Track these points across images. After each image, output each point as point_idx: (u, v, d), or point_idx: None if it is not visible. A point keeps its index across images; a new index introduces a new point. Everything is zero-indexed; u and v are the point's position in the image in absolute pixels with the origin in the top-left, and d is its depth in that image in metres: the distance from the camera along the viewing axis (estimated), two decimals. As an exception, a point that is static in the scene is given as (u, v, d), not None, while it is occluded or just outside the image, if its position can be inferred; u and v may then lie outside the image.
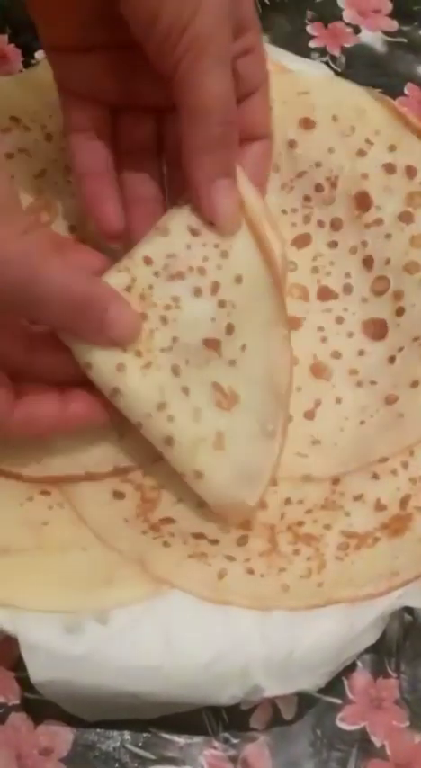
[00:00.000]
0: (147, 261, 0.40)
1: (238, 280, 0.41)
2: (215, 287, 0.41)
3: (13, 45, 0.57)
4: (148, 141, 0.44)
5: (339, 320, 0.47)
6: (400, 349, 0.46)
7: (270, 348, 0.42)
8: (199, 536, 0.41)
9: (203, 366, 0.41)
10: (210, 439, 0.41)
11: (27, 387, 0.40)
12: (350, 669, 0.42)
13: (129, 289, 0.40)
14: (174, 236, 0.41)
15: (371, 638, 0.40)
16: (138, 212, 0.44)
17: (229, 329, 0.41)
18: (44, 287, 0.36)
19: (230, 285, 0.41)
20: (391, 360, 0.46)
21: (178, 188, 0.43)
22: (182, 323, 0.40)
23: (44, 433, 0.41)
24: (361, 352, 0.47)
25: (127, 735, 0.41)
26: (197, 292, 0.40)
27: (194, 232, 0.41)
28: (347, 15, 0.62)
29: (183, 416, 0.40)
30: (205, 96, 0.38)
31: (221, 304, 0.41)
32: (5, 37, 0.57)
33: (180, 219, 0.41)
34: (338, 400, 0.46)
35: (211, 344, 0.41)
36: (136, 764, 0.41)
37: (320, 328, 0.47)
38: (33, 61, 0.56)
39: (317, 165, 0.49)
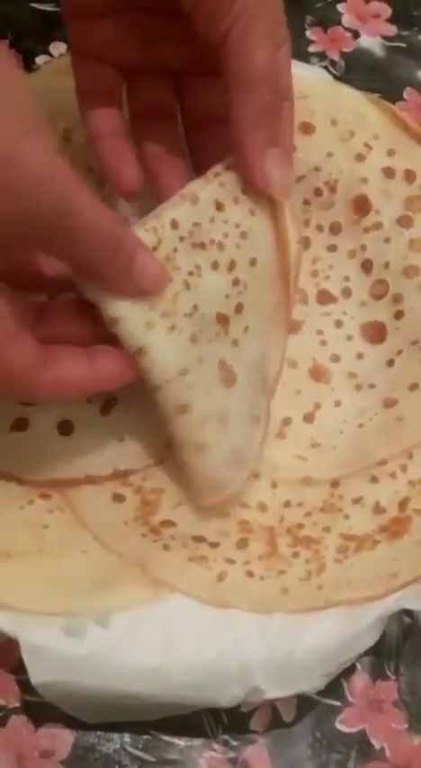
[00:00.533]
0: (174, 224, 0.39)
1: (253, 262, 0.41)
2: (231, 265, 0.41)
3: (14, 50, 0.57)
4: (167, 104, 0.44)
5: (338, 324, 0.48)
6: (399, 352, 0.46)
7: (266, 336, 0.42)
8: (199, 539, 0.41)
9: (213, 341, 0.40)
10: (217, 414, 0.41)
11: (54, 348, 0.38)
12: (349, 671, 0.42)
13: (155, 248, 0.39)
14: (202, 206, 0.40)
15: (370, 641, 0.40)
16: (162, 169, 0.44)
17: (238, 308, 0.41)
18: (77, 219, 0.34)
19: (245, 266, 0.41)
20: (390, 363, 0.46)
21: (196, 152, 0.43)
22: (201, 292, 0.40)
23: (73, 396, 0.40)
24: (360, 356, 0.47)
25: (127, 737, 0.41)
26: (215, 266, 0.40)
27: (219, 206, 0.40)
28: (347, 20, 0.62)
29: (200, 387, 0.40)
30: (255, 65, 0.38)
31: (235, 282, 0.41)
32: (6, 42, 0.57)
33: (209, 191, 0.40)
34: (337, 403, 0.46)
35: (221, 320, 0.41)
36: (136, 767, 0.41)
37: (319, 332, 0.48)
38: (34, 66, 0.56)
39: (317, 169, 0.49)
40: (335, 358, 0.47)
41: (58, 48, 0.57)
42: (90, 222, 0.35)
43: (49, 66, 0.54)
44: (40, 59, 0.57)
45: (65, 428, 0.44)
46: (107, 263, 0.37)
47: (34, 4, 0.59)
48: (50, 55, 0.57)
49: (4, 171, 0.32)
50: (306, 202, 0.49)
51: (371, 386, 0.46)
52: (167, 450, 0.44)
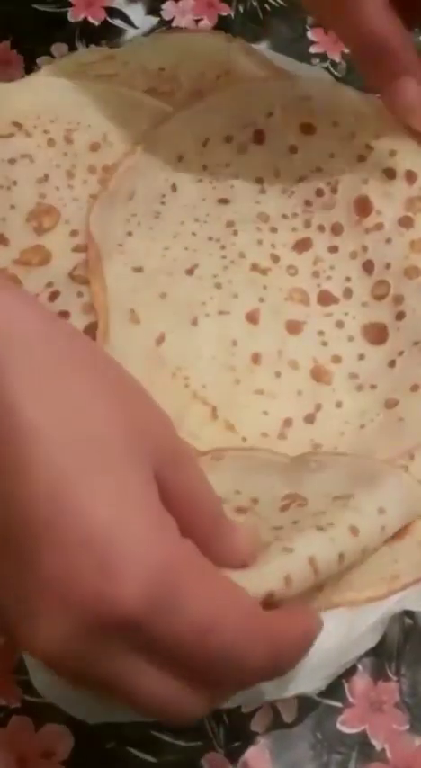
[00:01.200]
0: None
1: None
2: None
3: (15, 51, 0.57)
4: None
5: (339, 324, 0.48)
6: (400, 353, 0.46)
7: None
8: None
9: None
10: None
11: None
12: (350, 672, 0.42)
13: None
14: None
15: (371, 642, 0.40)
16: None
17: None
18: None
19: None
20: (391, 364, 0.46)
21: None
22: None
23: None
24: (361, 356, 0.47)
25: (128, 737, 0.41)
26: None
27: None
28: (348, 21, 0.62)
29: None
30: None
31: None
32: (8, 43, 0.57)
33: None
34: (338, 404, 0.46)
35: None
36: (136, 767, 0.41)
37: (321, 332, 0.47)
38: (35, 67, 0.56)
39: (318, 169, 0.49)
40: (337, 359, 0.47)
41: (59, 49, 0.57)
42: None
43: (50, 67, 0.54)
44: (41, 60, 0.57)
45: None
46: None
47: (36, 5, 0.59)
48: (52, 56, 0.57)
49: None
50: (307, 203, 0.49)
51: (373, 387, 0.46)
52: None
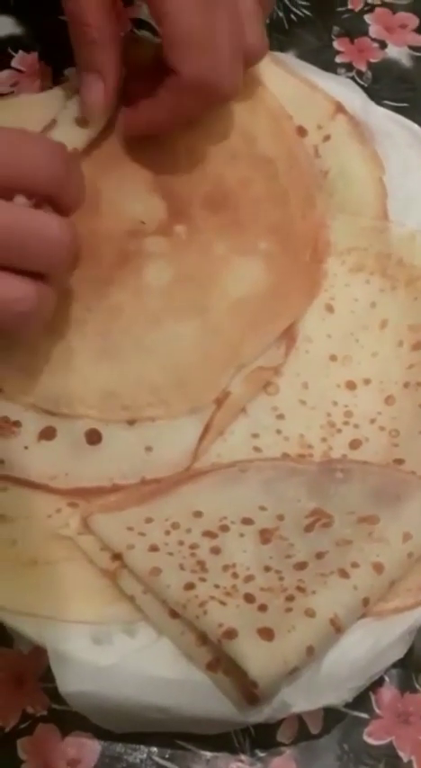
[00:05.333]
0: None
1: None
2: None
3: (43, 62, 0.58)
4: None
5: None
6: None
7: None
8: None
9: None
10: None
11: None
12: (377, 684, 0.42)
13: None
14: None
15: (398, 653, 0.40)
16: None
17: None
18: None
19: None
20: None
21: None
22: None
23: None
24: None
25: (154, 747, 0.41)
26: None
27: None
28: (373, 31, 0.62)
29: None
30: None
31: None
32: (36, 54, 0.58)
33: None
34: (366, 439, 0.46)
35: None
36: (162, 777, 0.41)
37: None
38: (62, 78, 0.57)
39: None
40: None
41: (86, 60, 0.58)
42: None
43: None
44: (68, 71, 0.57)
45: (93, 437, 0.44)
46: None
47: (63, 17, 0.59)
48: (79, 67, 0.57)
49: None
50: None
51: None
52: (194, 459, 0.44)
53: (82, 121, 0.47)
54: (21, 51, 0.58)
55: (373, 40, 0.62)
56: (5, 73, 0.57)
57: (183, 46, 0.43)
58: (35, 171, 0.39)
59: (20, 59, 0.58)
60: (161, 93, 0.45)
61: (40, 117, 0.51)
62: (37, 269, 0.39)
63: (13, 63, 0.58)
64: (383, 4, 0.63)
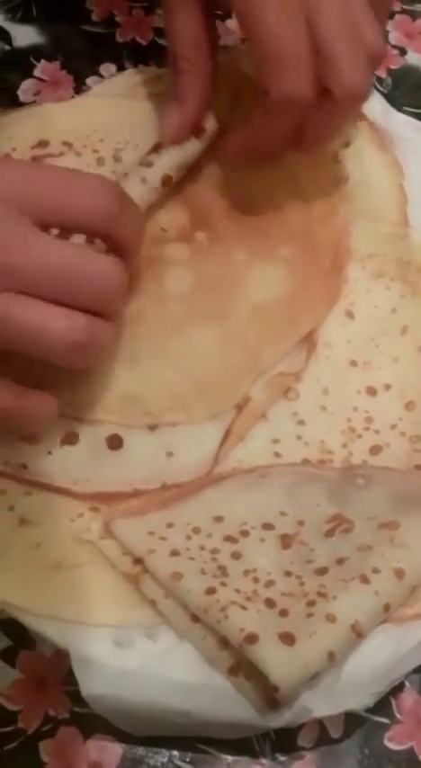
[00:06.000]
0: None
1: None
2: None
3: (65, 71, 0.58)
4: None
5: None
6: None
7: None
8: None
9: None
10: None
11: None
12: (398, 689, 0.42)
13: None
14: None
15: (419, 659, 0.40)
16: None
17: None
18: None
19: None
20: None
21: None
22: None
23: None
24: None
25: (175, 751, 0.41)
26: None
27: None
28: (393, 37, 0.62)
29: None
30: None
31: None
32: (58, 63, 0.58)
33: None
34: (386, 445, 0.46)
35: None
36: (184, 780, 0.41)
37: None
38: (84, 87, 0.57)
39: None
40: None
41: (108, 69, 0.58)
42: None
43: (99, 87, 0.55)
44: (90, 80, 0.58)
45: (114, 442, 0.44)
46: None
47: (85, 26, 0.60)
48: (101, 76, 0.58)
49: None
50: None
51: None
52: (215, 464, 0.44)
53: (157, 145, 0.48)
54: (43, 60, 0.58)
55: (393, 46, 0.62)
56: (28, 82, 0.58)
57: (268, 65, 0.43)
58: (88, 209, 0.39)
59: (42, 68, 0.58)
60: (255, 114, 0.46)
61: (62, 126, 0.52)
62: (87, 306, 0.39)
63: (36, 72, 0.58)
64: (403, 11, 0.63)
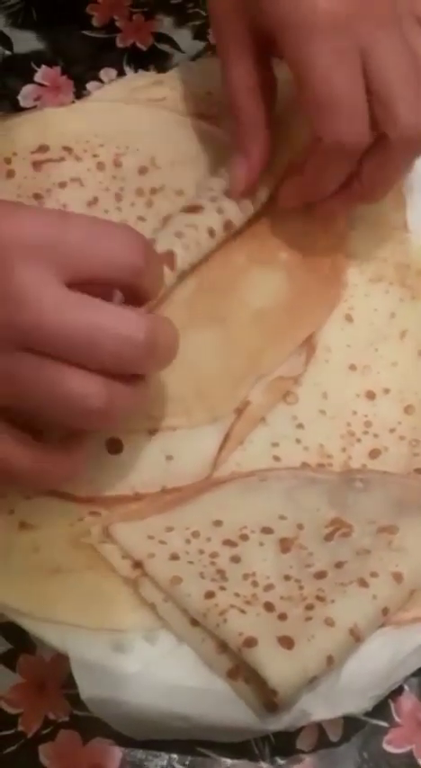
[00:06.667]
0: None
1: None
2: None
3: (65, 77, 0.58)
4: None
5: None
6: None
7: None
8: None
9: None
10: None
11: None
12: (397, 692, 0.42)
13: None
14: None
15: (418, 662, 0.40)
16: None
17: None
18: None
19: None
20: None
21: None
22: None
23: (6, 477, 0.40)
24: None
25: (174, 754, 0.42)
26: None
27: None
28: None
29: None
30: None
31: None
32: (58, 68, 0.58)
33: None
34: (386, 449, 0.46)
35: None
36: (183, 784, 0.41)
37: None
38: (85, 92, 0.57)
39: None
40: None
41: (108, 74, 0.58)
42: None
43: (99, 92, 0.55)
44: (90, 86, 0.58)
45: (114, 446, 0.44)
46: None
47: (85, 31, 0.60)
48: (101, 81, 0.58)
49: None
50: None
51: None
52: (214, 468, 0.44)
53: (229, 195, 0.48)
54: (43, 66, 0.59)
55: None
56: (29, 87, 0.58)
57: (321, 111, 0.42)
58: (115, 264, 0.37)
59: (43, 74, 0.58)
60: (309, 162, 0.45)
61: (63, 131, 0.52)
62: (109, 368, 0.37)
63: (37, 77, 0.58)
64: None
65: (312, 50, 0.41)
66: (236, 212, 0.47)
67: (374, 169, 0.44)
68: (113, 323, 0.36)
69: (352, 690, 0.39)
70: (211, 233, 0.47)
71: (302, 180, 0.46)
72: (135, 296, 0.39)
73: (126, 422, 0.41)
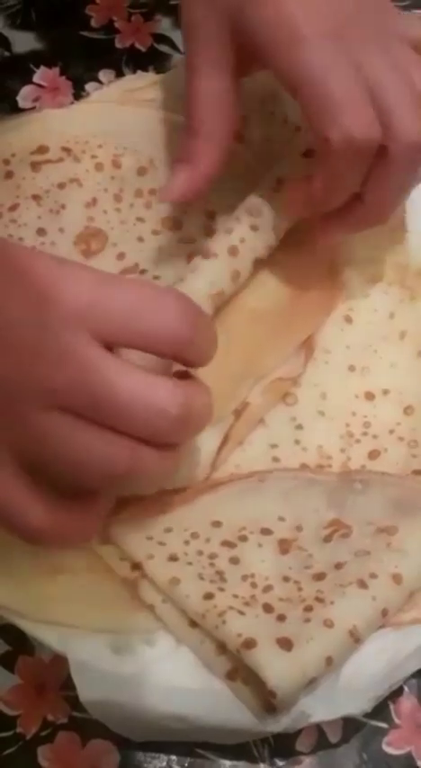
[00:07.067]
0: None
1: None
2: None
3: (64, 77, 0.58)
4: None
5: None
6: None
7: None
8: None
9: None
10: None
11: None
12: (396, 694, 0.42)
13: None
14: None
15: (417, 663, 0.40)
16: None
17: None
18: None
19: None
20: None
21: None
22: None
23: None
24: None
25: (173, 756, 0.42)
26: None
27: None
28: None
29: None
30: None
31: None
32: (57, 69, 0.58)
33: None
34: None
35: None
36: (182, 785, 0.41)
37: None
38: (83, 93, 0.57)
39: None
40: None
41: (107, 75, 0.58)
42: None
43: (98, 93, 0.55)
44: (89, 87, 0.58)
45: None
46: None
47: (84, 32, 0.60)
48: (100, 82, 0.58)
49: None
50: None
51: None
52: (213, 470, 0.44)
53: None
54: (42, 67, 0.59)
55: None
56: (27, 88, 0.58)
57: (324, 110, 0.40)
58: (159, 336, 0.35)
59: (41, 75, 0.58)
60: (316, 171, 0.43)
61: (62, 132, 0.52)
62: (140, 436, 0.35)
63: (35, 78, 0.58)
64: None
65: (306, 53, 0.40)
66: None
67: (377, 187, 0.42)
68: (148, 393, 0.35)
69: (351, 691, 0.39)
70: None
71: (312, 188, 0.43)
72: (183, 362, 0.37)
73: (151, 486, 0.41)
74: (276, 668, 0.37)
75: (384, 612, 0.39)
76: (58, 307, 0.34)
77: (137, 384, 0.35)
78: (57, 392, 0.34)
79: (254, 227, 0.46)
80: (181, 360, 0.37)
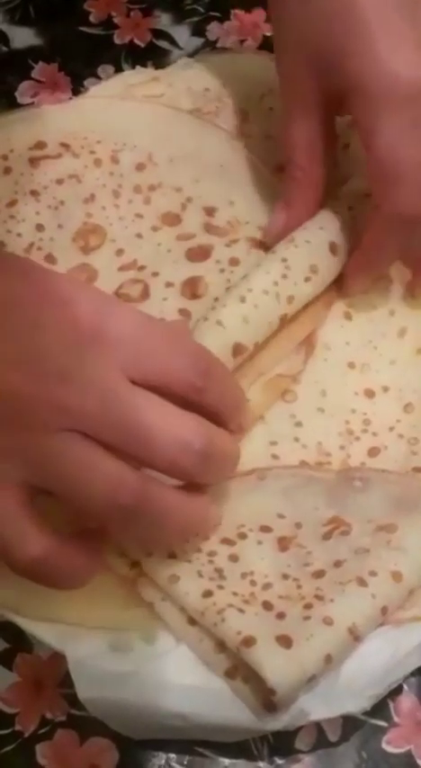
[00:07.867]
0: None
1: None
2: None
3: (62, 73, 0.58)
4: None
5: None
6: None
7: None
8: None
9: None
10: None
11: None
12: (396, 692, 0.42)
13: None
14: None
15: (417, 661, 0.40)
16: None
17: None
18: None
19: None
20: None
21: None
22: None
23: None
24: None
25: (172, 754, 0.41)
26: None
27: None
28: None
29: None
30: None
31: None
32: (56, 65, 0.58)
33: None
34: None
35: None
36: (181, 784, 0.41)
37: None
38: (82, 89, 0.57)
39: None
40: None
41: (105, 70, 0.58)
42: None
43: (97, 89, 0.55)
44: (88, 82, 0.58)
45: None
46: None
47: (83, 28, 0.60)
48: (98, 78, 0.58)
49: None
50: None
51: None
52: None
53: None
54: (41, 62, 0.59)
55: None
56: (26, 84, 0.58)
57: (383, 181, 0.43)
58: (168, 379, 0.36)
59: (40, 70, 0.58)
60: (366, 233, 0.46)
61: (60, 127, 0.52)
62: (161, 471, 0.36)
63: (34, 74, 0.58)
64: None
65: (383, 119, 0.42)
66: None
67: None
68: (173, 423, 0.35)
69: (351, 689, 0.39)
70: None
71: (361, 253, 0.47)
72: (208, 415, 0.37)
73: (180, 535, 0.40)
74: (275, 666, 0.36)
75: (384, 610, 0.39)
76: (92, 337, 0.35)
77: (163, 414, 0.35)
78: (79, 414, 0.34)
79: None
80: (198, 407, 0.37)
